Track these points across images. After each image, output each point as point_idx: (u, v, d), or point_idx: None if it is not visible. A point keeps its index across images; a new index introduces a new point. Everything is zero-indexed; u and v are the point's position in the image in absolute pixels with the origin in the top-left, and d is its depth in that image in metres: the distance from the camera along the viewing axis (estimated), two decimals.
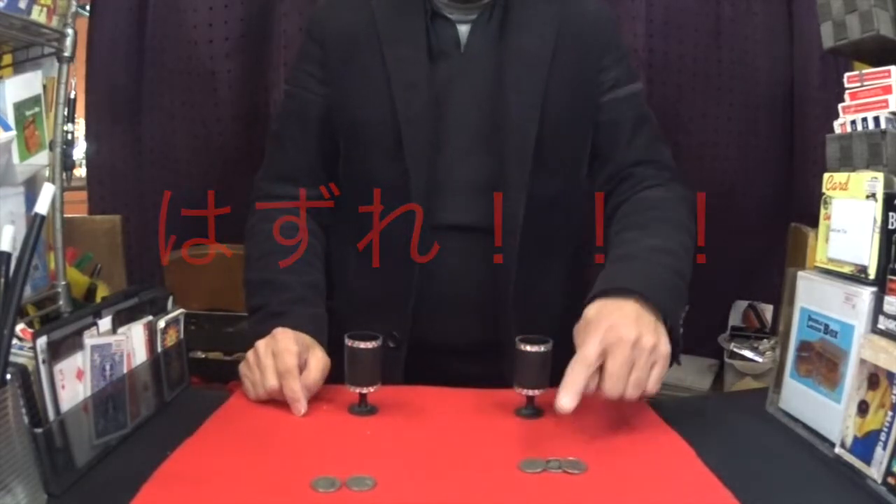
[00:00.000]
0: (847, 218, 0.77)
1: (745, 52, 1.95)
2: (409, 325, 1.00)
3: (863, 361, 0.69)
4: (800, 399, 0.80)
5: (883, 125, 0.82)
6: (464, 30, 1.01)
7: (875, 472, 0.63)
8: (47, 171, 1.19)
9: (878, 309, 0.70)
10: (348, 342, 0.80)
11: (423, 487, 0.65)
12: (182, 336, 0.89)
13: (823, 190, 0.82)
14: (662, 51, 1.91)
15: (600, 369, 0.75)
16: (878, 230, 0.72)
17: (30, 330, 0.66)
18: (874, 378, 0.66)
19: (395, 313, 1.00)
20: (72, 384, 0.67)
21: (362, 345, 0.80)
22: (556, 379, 0.75)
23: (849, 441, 0.68)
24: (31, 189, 1.11)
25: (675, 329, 0.82)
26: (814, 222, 0.84)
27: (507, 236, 0.98)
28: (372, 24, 1.00)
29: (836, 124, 0.88)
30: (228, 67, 1.84)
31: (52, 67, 1.22)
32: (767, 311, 1.96)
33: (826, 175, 0.82)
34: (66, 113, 1.24)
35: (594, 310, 0.80)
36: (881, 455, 0.63)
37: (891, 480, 0.61)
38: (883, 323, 0.69)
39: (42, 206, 0.63)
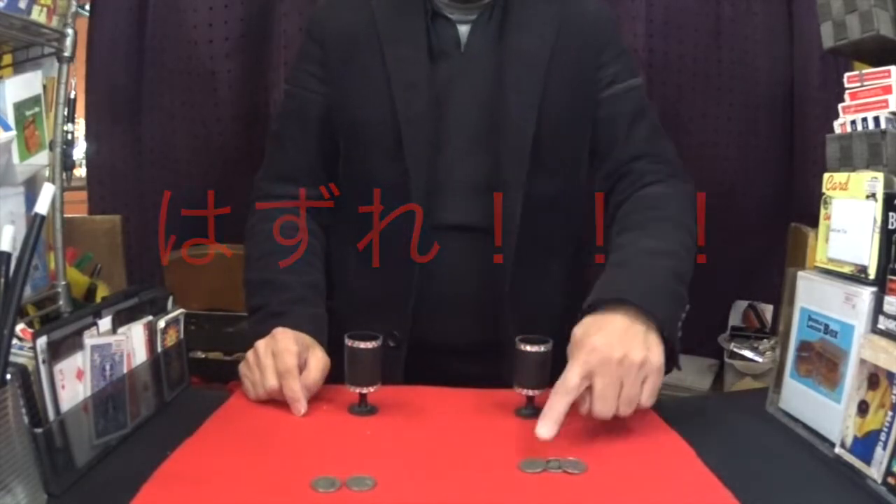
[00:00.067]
0: (847, 218, 0.77)
1: (745, 52, 1.94)
2: (409, 325, 1.00)
3: (863, 361, 0.69)
4: (800, 399, 0.80)
5: (883, 125, 0.82)
6: (464, 30, 1.01)
7: (875, 472, 0.63)
8: (47, 171, 1.19)
9: (878, 309, 0.70)
10: (348, 342, 0.80)
11: (423, 487, 0.65)
12: (182, 336, 0.89)
13: (823, 190, 0.82)
14: (662, 51, 1.91)
15: (590, 390, 0.74)
16: (878, 230, 0.72)
17: (30, 330, 0.66)
18: (874, 378, 0.66)
19: (395, 313, 1.00)
20: (72, 384, 0.67)
21: (362, 345, 0.80)
22: (555, 379, 0.75)
23: (849, 441, 0.68)
24: (31, 189, 1.11)
25: (674, 334, 0.81)
26: (814, 222, 0.84)
27: (506, 236, 0.97)
28: (372, 23, 1.00)
29: (836, 124, 0.88)
30: (228, 67, 1.84)
31: (52, 67, 1.22)
32: (767, 311, 1.96)
33: (826, 175, 0.82)
34: (66, 113, 1.24)
35: (581, 330, 0.79)
36: (881, 455, 0.63)
37: (891, 480, 0.62)
38: (883, 323, 0.69)
39: (42, 206, 0.63)
